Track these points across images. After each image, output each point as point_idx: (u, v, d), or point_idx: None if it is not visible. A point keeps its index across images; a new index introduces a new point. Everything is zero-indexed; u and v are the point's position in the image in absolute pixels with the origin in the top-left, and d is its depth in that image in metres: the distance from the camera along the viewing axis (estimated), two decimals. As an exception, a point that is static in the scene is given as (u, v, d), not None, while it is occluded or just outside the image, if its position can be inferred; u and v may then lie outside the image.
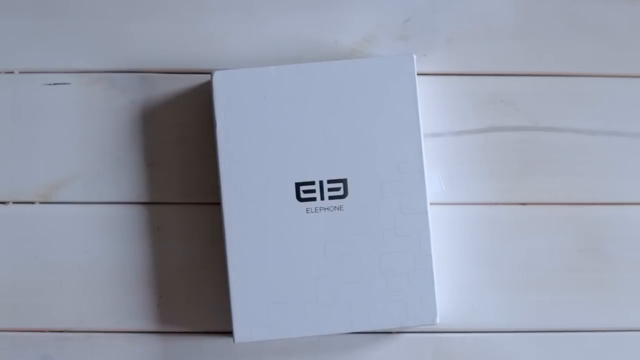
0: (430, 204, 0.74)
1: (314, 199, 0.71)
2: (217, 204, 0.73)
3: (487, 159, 0.77)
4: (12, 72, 0.77)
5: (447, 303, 0.76)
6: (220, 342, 0.76)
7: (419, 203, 0.71)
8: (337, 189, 0.71)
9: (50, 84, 0.77)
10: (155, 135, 0.77)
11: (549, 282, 0.76)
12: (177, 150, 0.77)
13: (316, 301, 0.71)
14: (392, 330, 0.76)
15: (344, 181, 0.71)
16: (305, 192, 0.71)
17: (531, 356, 0.76)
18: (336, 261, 0.71)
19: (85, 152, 0.77)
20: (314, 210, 0.71)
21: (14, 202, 0.77)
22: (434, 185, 0.76)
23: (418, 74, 0.72)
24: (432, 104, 0.76)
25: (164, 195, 0.77)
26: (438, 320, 0.71)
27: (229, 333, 0.74)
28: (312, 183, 0.71)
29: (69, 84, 0.77)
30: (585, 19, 0.77)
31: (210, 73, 0.72)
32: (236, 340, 0.71)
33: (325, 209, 0.71)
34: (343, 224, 0.71)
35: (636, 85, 0.77)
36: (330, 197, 0.71)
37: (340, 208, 0.71)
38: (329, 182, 0.71)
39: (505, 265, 0.76)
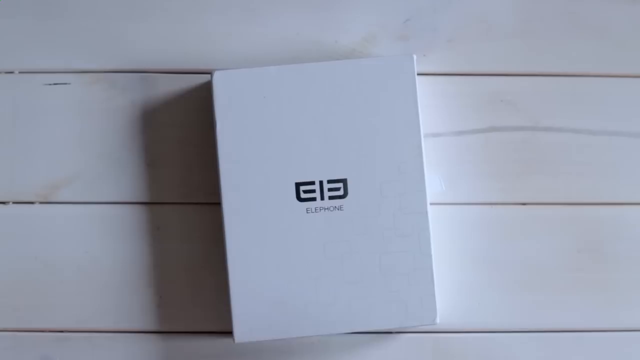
0: (430, 204, 0.74)
1: (314, 199, 0.71)
2: (217, 204, 0.73)
3: (487, 159, 0.77)
4: (12, 72, 0.77)
5: (447, 303, 0.76)
6: (220, 342, 0.76)
7: (419, 203, 0.71)
8: (337, 189, 0.71)
9: (50, 84, 0.77)
10: (155, 135, 0.77)
11: (549, 282, 0.76)
12: (177, 150, 0.77)
13: (316, 301, 0.71)
14: (392, 330, 0.76)
15: (344, 181, 0.71)
16: (305, 192, 0.71)
17: (531, 356, 0.76)
18: (336, 261, 0.71)
19: (85, 152, 0.77)
20: (314, 210, 0.71)
21: (14, 202, 0.77)
22: (434, 185, 0.76)
23: (418, 74, 0.72)
24: (432, 104, 0.76)
25: (164, 195, 0.77)
26: (438, 320, 0.71)
27: (229, 333, 0.74)
28: (312, 183, 0.71)
29: (69, 84, 0.77)
30: (585, 19, 0.77)
31: (210, 73, 0.72)
32: (236, 340, 0.71)
33: (325, 209, 0.71)
34: (343, 224, 0.71)
35: (636, 85, 0.77)
36: (330, 197, 0.71)
37: (340, 208, 0.71)
38: (329, 182, 0.71)
39: (505, 265, 0.76)
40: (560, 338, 0.76)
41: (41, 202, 0.77)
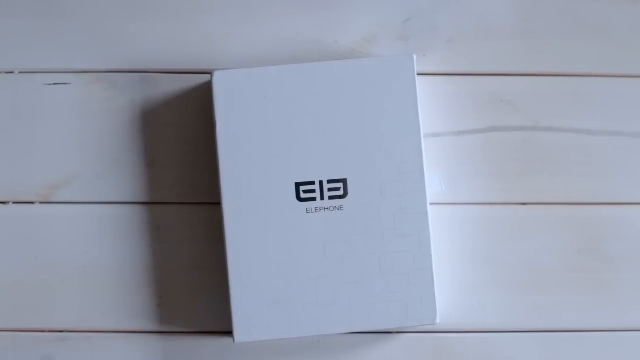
0: (430, 204, 0.74)
1: (314, 199, 0.71)
2: (217, 204, 0.73)
3: (487, 159, 0.77)
4: (12, 72, 0.77)
5: (447, 303, 0.76)
6: (220, 342, 0.76)
7: (419, 203, 0.71)
8: (337, 189, 0.71)
9: (50, 84, 0.77)
10: (155, 135, 0.77)
11: (549, 282, 0.76)
12: (177, 150, 0.77)
13: (316, 301, 0.71)
14: (392, 330, 0.76)
15: (344, 181, 0.71)
16: (305, 192, 0.71)
17: (531, 356, 0.76)
18: (336, 261, 0.71)
19: (85, 152, 0.77)
20: (314, 210, 0.71)
21: (14, 202, 0.77)
22: (434, 185, 0.76)
23: (418, 74, 0.72)
24: (432, 104, 0.76)
25: (163, 195, 0.77)
26: (438, 320, 0.71)
27: (229, 333, 0.74)
28: (312, 183, 0.71)
29: (69, 84, 0.77)
30: (586, 19, 0.77)
31: (210, 73, 0.72)
32: (236, 340, 0.71)
33: (325, 209, 0.71)
34: (343, 224, 0.71)
35: (636, 85, 0.77)
36: (330, 197, 0.71)
37: (340, 208, 0.71)
38: (329, 182, 0.71)
39: (505, 265, 0.76)
40: (560, 338, 0.76)
41: (41, 202, 0.77)
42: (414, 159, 0.71)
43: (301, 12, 0.77)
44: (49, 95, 0.77)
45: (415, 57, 0.72)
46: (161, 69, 0.77)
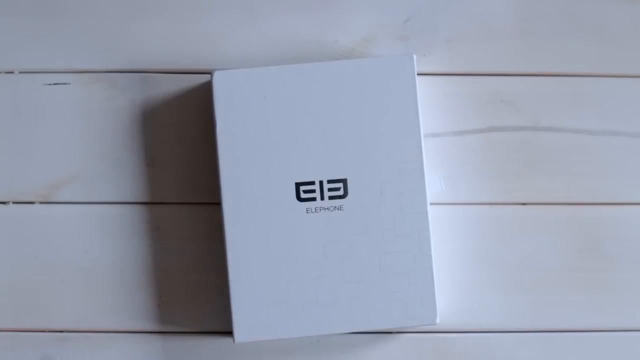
0: (430, 204, 0.74)
1: (314, 199, 0.71)
2: (217, 204, 0.73)
3: (487, 159, 0.77)
4: (12, 72, 0.77)
5: (447, 303, 0.76)
6: (220, 342, 0.76)
7: (419, 203, 0.71)
8: (337, 189, 0.71)
9: (50, 84, 0.77)
10: (155, 135, 0.77)
11: (549, 282, 0.76)
12: (177, 150, 0.77)
13: (316, 301, 0.71)
14: (392, 330, 0.76)
15: (344, 181, 0.71)
16: (305, 192, 0.71)
17: (531, 356, 0.76)
18: (336, 261, 0.71)
19: (85, 152, 0.77)
20: (314, 210, 0.71)
21: (14, 202, 0.77)
22: (434, 185, 0.76)
23: (418, 74, 0.72)
24: (432, 104, 0.76)
25: (163, 195, 0.77)
26: (438, 320, 0.71)
27: (229, 333, 0.74)
28: (312, 183, 0.71)
29: (69, 84, 0.77)
30: (585, 19, 0.77)
31: (210, 73, 0.72)
32: (236, 340, 0.71)
33: (325, 209, 0.71)
34: (343, 224, 0.71)
35: (636, 85, 0.77)
36: (330, 197, 0.71)
37: (340, 208, 0.71)
38: (329, 182, 0.71)
39: (505, 265, 0.76)
40: (560, 338, 0.76)
41: (41, 202, 0.77)
42: (414, 159, 0.71)
43: (301, 12, 0.77)
44: (49, 95, 0.77)
45: (415, 57, 0.72)
46: (161, 69, 0.77)
